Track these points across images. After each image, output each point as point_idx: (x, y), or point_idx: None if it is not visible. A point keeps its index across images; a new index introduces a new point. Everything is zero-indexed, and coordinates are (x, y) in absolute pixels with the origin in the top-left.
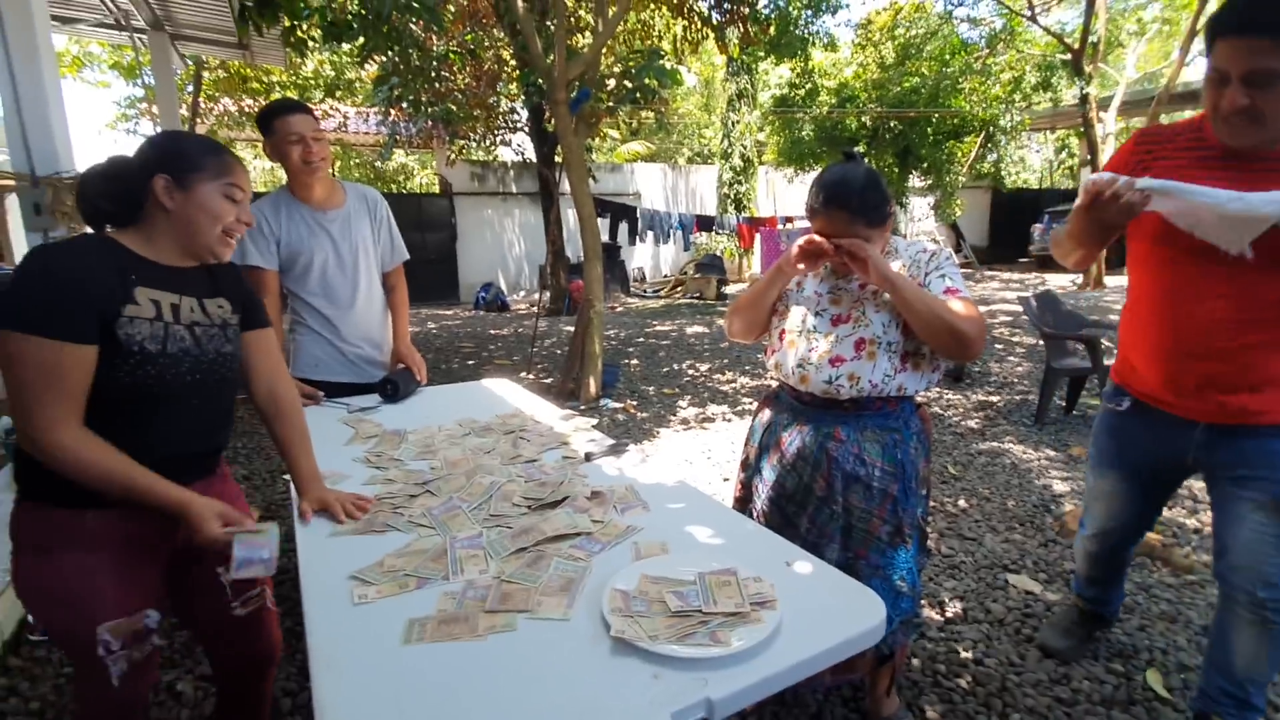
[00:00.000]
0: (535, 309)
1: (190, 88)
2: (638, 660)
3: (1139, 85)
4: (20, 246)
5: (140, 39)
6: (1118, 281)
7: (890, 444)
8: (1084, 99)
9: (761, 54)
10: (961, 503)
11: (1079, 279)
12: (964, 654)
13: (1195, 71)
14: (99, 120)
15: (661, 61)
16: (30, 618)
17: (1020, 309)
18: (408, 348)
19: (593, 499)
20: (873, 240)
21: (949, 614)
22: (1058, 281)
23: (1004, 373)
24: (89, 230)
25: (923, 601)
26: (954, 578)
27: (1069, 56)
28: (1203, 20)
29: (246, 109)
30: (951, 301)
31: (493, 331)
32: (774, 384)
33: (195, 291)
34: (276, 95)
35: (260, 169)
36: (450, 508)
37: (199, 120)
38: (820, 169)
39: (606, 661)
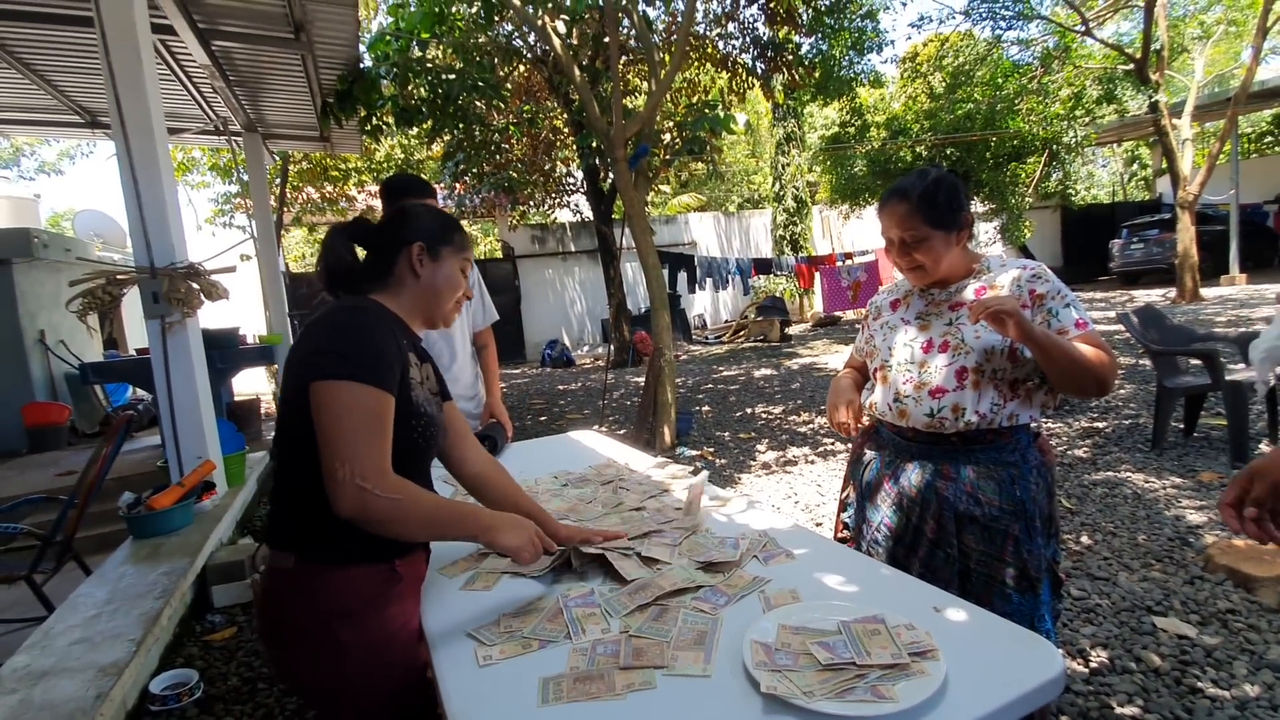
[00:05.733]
0: (602, 363)
1: (278, 180)
2: (794, 719)
3: (1209, 89)
4: (135, 335)
5: (236, 141)
6: (1215, 293)
7: (1007, 480)
8: (1154, 106)
9: (807, 97)
10: (1084, 539)
11: (1172, 293)
12: (1120, 709)
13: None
14: (198, 216)
15: (715, 111)
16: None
17: (1116, 327)
18: (499, 404)
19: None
20: (933, 243)
21: (1093, 664)
22: (1147, 297)
23: (1106, 396)
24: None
25: (1061, 651)
26: (1091, 622)
27: (1131, 66)
28: (1272, 16)
29: (327, 195)
30: (1082, 345)
31: (561, 387)
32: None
33: (423, 358)
34: (354, 181)
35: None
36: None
37: (286, 209)
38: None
39: None
